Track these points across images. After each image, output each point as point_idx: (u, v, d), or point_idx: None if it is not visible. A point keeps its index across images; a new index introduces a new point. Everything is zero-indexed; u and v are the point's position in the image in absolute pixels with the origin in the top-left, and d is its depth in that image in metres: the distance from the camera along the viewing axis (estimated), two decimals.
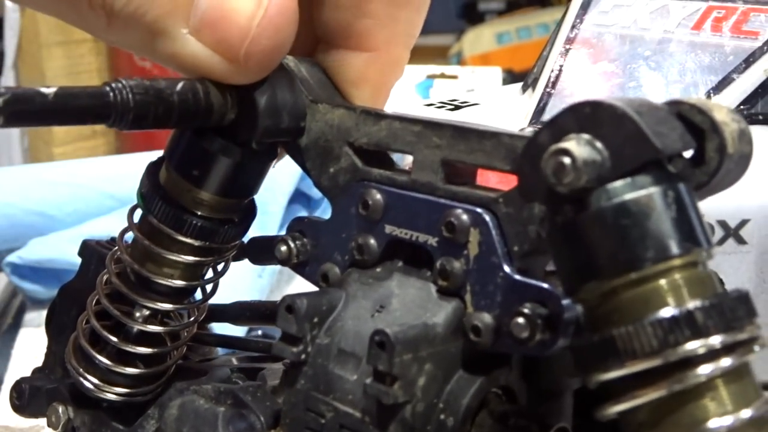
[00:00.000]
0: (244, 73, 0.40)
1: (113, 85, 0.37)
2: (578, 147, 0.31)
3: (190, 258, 0.45)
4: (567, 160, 0.31)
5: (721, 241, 0.41)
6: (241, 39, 0.39)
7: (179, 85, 0.39)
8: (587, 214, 0.31)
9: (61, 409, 0.51)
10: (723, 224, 0.42)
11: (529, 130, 0.37)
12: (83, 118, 0.37)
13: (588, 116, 0.31)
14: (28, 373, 0.55)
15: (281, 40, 0.40)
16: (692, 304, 0.29)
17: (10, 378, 0.99)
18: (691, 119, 0.32)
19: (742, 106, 0.47)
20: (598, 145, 0.31)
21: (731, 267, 0.42)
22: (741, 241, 0.42)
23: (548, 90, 0.52)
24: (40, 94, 0.35)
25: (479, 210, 0.38)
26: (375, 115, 0.42)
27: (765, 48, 0.49)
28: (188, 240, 0.44)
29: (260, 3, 0.39)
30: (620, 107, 0.30)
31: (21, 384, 0.54)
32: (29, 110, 0.34)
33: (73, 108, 0.36)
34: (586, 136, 0.31)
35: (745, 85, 0.47)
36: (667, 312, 0.29)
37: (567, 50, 0.53)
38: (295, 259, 0.44)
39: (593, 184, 0.31)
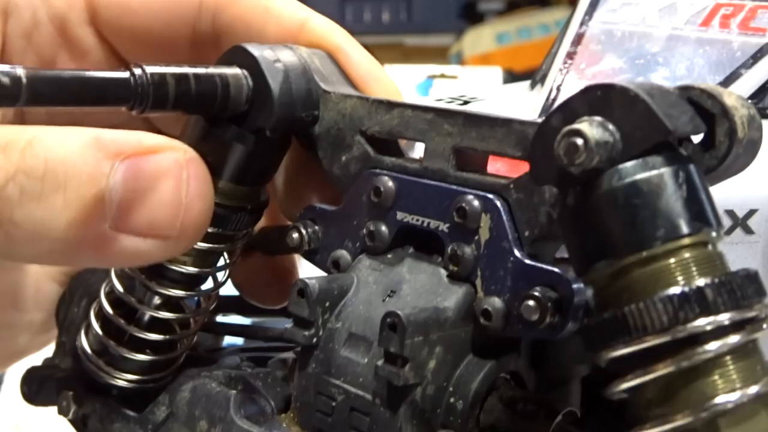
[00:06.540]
0: (182, 245, 0.39)
1: (134, 69, 0.38)
2: (590, 128, 0.31)
3: (203, 245, 0.46)
4: (579, 141, 0.31)
5: (729, 231, 0.41)
6: (174, 216, 0.37)
7: (196, 71, 0.40)
8: (599, 194, 0.31)
9: (71, 396, 0.51)
10: (731, 214, 0.42)
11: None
12: (103, 101, 0.37)
13: (600, 99, 0.32)
14: None
15: (209, 201, 0.40)
16: (702, 281, 0.30)
17: (11, 378, 0.99)
18: (701, 104, 0.33)
19: (749, 101, 0.48)
20: (610, 126, 0.31)
21: (738, 257, 0.42)
22: (749, 231, 0.42)
23: (557, 85, 0.52)
24: (59, 77, 0.35)
25: (490, 196, 0.38)
26: (387, 104, 0.42)
27: None
28: None
29: (179, 175, 0.38)
30: (632, 89, 0.31)
31: (31, 373, 0.55)
32: (49, 91, 0.35)
33: (93, 89, 0.36)
34: (598, 118, 0.32)
35: (752, 80, 0.47)
36: (677, 289, 0.30)
37: (575, 47, 0.53)
38: (306, 246, 0.44)
39: (605, 165, 0.31)
